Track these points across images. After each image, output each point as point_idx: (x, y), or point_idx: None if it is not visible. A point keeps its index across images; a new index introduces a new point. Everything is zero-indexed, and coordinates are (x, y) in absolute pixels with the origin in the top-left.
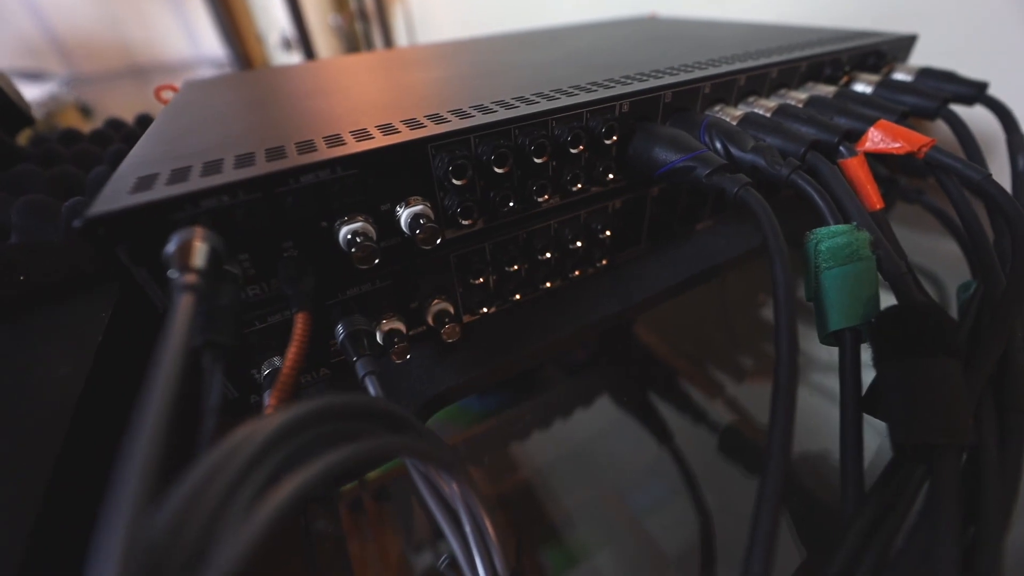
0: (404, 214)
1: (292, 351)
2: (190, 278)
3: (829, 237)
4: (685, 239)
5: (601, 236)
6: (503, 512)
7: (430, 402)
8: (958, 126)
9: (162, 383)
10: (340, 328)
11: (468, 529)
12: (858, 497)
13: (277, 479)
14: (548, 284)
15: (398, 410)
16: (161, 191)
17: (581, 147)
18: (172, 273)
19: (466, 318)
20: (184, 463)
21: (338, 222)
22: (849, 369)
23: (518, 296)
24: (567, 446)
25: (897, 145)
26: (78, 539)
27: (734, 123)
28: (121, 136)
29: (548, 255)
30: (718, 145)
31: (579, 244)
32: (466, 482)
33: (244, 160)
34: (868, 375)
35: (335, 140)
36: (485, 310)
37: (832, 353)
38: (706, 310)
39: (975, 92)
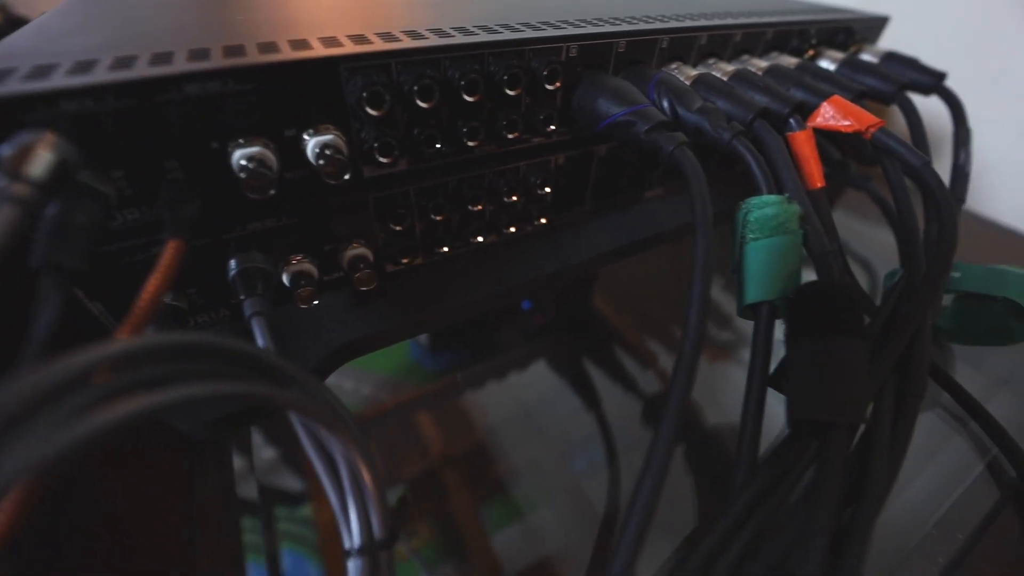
0: (311, 143)
1: (152, 282)
2: (19, 189)
3: (759, 207)
4: (632, 206)
5: (540, 192)
6: (454, 470)
7: (337, 352)
8: (910, 113)
9: None
10: (233, 264)
11: (346, 484)
12: (750, 469)
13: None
14: (480, 239)
15: (261, 352)
16: (12, 86)
17: (519, 89)
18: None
19: (389, 268)
20: None
21: (232, 144)
22: (760, 343)
23: (446, 249)
24: (516, 407)
25: (847, 123)
26: None
27: (687, 83)
28: None
29: (480, 207)
30: (665, 103)
31: (515, 198)
32: (345, 432)
33: (123, 62)
34: (781, 354)
35: (236, 50)
36: (407, 261)
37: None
38: (667, 282)
39: (933, 82)
